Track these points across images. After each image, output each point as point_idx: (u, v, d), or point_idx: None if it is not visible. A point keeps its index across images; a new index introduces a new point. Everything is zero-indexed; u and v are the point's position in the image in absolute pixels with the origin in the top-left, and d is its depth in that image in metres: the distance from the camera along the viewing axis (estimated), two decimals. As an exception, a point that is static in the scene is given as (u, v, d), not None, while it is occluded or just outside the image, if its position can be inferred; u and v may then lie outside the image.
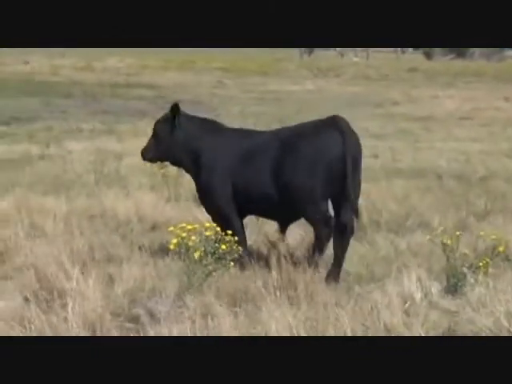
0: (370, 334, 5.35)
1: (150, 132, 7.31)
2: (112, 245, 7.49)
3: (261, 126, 9.10)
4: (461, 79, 37.32)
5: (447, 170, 12.66)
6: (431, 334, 5.39)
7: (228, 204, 6.86)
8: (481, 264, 6.30)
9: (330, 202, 6.60)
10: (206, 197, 7.04)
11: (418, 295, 6.01)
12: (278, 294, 5.95)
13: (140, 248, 7.17)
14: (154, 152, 7.25)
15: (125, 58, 43.92)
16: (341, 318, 5.37)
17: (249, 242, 7.11)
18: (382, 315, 5.54)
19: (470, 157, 14.18)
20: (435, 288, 6.20)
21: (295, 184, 6.52)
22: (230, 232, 6.27)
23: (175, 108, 7.06)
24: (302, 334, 5.21)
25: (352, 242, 6.78)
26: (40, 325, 5.34)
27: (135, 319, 5.65)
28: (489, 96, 28.02)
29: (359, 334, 5.30)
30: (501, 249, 6.56)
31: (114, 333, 5.38)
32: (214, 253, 6.07)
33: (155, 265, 6.67)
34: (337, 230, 6.55)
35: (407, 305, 5.82)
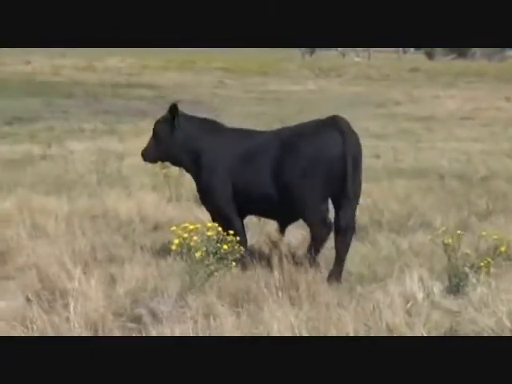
0: (372, 333, 5.35)
1: (151, 132, 7.32)
2: (114, 245, 7.49)
3: (261, 126, 9.06)
4: (462, 79, 37.28)
5: (449, 170, 12.65)
6: (433, 333, 5.38)
7: (228, 204, 6.86)
8: (482, 264, 6.30)
9: (329, 203, 6.60)
10: (206, 197, 7.04)
11: (420, 295, 6.01)
12: (279, 294, 5.94)
13: (142, 248, 7.18)
14: (155, 153, 7.25)
15: (125, 58, 43.89)
16: (343, 318, 5.37)
17: (251, 243, 7.10)
18: (384, 315, 5.54)
19: (472, 157, 14.17)
20: (437, 288, 6.19)
21: (295, 184, 6.52)
22: (231, 232, 6.28)
23: (174, 108, 7.05)
24: (304, 334, 5.21)
25: (354, 242, 6.79)
26: (42, 325, 5.34)
27: (137, 319, 5.65)
28: (490, 96, 27.98)
29: (361, 333, 5.30)
30: (502, 249, 6.56)
31: (116, 333, 5.38)
32: (216, 253, 6.07)
33: (157, 265, 6.66)
34: (338, 230, 6.55)
35: (409, 305, 5.82)
